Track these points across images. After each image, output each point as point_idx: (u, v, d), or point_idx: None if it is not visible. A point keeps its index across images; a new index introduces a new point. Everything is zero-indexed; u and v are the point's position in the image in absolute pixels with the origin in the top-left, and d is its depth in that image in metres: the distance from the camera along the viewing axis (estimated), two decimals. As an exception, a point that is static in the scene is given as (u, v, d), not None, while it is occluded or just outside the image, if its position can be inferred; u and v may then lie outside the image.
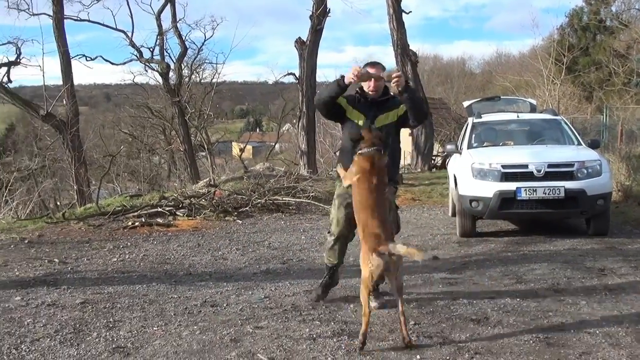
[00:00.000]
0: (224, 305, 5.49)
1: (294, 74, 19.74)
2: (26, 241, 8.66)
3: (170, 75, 24.71)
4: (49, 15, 20.56)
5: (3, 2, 21.79)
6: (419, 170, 18.99)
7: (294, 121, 24.32)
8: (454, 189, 9.44)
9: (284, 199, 11.98)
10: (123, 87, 34.58)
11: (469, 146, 9.57)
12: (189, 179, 21.05)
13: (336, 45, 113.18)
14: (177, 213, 10.72)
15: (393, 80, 5.06)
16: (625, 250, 7.59)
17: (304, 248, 8.19)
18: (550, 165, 8.20)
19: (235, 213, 10.96)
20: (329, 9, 19.14)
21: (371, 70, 5.24)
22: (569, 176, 8.18)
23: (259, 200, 11.61)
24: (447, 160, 11.92)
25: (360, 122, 5.29)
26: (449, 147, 10.18)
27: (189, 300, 5.68)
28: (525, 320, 4.88)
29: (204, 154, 27.30)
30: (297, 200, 12.09)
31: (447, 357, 4.16)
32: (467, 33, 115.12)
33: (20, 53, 20.51)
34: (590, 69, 36.71)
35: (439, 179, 15.13)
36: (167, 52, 25.18)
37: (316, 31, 19.05)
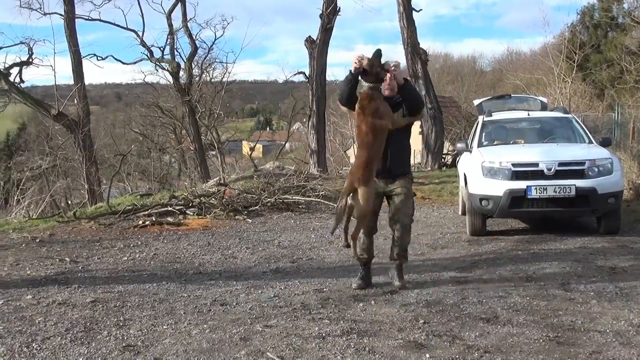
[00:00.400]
0: (234, 304, 5.50)
1: (304, 73, 19.78)
2: (38, 240, 8.71)
3: (180, 75, 24.79)
4: (61, 15, 20.70)
5: (15, 1, 21.96)
6: (429, 168, 18.94)
7: (304, 120, 24.30)
8: (464, 187, 9.41)
9: (293, 197, 11.99)
10: (134, 87, 34.74)
11: (479, 144, 9.54)
12: (199, 178, 21.11)
13: (346, 43, 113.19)
14: (187, 212, 10.75)
15: (392, 66, 5.71)
16: (637, 248, 7.54)
17: (313, 247, 8.19)
18: (561, 164, 8.16)
19: (245, 212, 10.98)
20: (339, 8, 19.14)
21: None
22: (580, 174, 8.13)
23: (269, 199, 11.62)
24: (458, 158, 11.88)
25: None
26: (459, 145, 10.15)
27: (199, 299, 5.70)
28: (535, 319, 4.87)
29: (214, 153, 27.33)
30: (307, 199, 12.10)
31: (457, 356, 4.15)
32: (478, 31, 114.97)
33: (32, 53, 20.65)
34: (602, 67, 36.44)
35: (449, 178, 15.10)
36: (177, 51, 25.28)
37: (326, 30, 19.04)
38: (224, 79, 28.03)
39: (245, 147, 40.84)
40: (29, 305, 5.55)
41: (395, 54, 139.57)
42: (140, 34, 24.33)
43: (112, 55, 25.98)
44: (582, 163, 8.22)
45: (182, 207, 10.89)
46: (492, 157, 8.61)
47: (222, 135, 29.32)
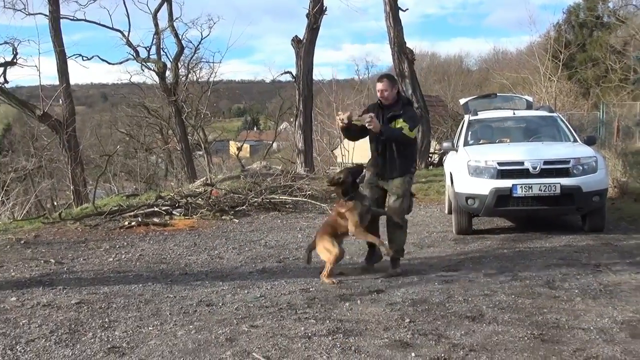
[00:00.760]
0: (220, 304, 5.49)
1: (290, 73, 19.73)
2: (22, 242, 8.65)
3: (166, 75, 24.70)
4: (45, 15, 20.52)
5: (-1, 2, 21.79)
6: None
7: (291, 120, 24.32)
8: (450, 186, 9.45)
9: (280, 197, 11.97)
10: (120, 87, 34.59)
11: (465, 143, 9.57)
12: (185, 178, 21.03)
13: (333, 43, 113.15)
14: (174, 212, 10.71)
15: (366, 122, 6.24)
16: (621, 246, 7.60)
17: (300, 246, 8.18)
18: (546, 162, 8.20)
19: (232, 212, 10.95)
20: (326, 7, 19.11)
21: (378, 85, 6.55)
22: (565, 173, 8.18)
23: (256, 199, 11.60)
24: (444, 157, 11.92)
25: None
26: (446, 144, 10.18)
27: (185, 299, 5.68)
28: (520, 317, 4.89)
29: (201, 153, 27.30)
30: (294, 198, 12.08)
31: (442, 355, 4.16)
32: (465, 30, 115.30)
33: (16, 53, 20.42)
34: (587, 66, 36.70)
35: (436, 177, 15.14)
36: (163, 51, 25.18)
37: (313, 29, 19.03)
38: (211, 79, 28.01)
39: (233, 147, 40.75)
40: (13, 308, 5.51)
41: (382, 54, 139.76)
42: (126, 33, 24.25)
43: (97, 56, 25.84)
44: (566, 161, 8.26)
45: (168, 207, 10.86)
46: (478, 156, 8.64)
47: (209, 135, 29.30)
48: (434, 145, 22.29)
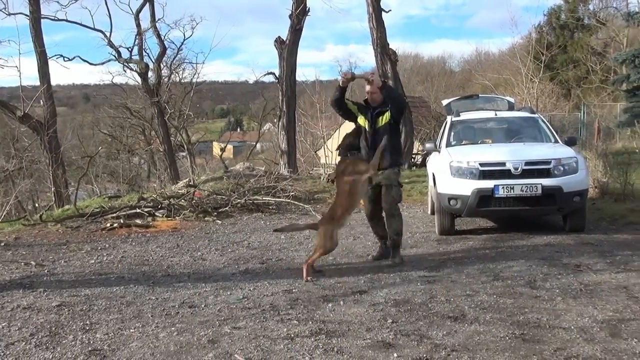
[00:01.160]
0: (202, 306, 5.47)
1: (273, 74, 19.74)
2: (2, 244, 8.57)
3: (149, 75, 24.59)
4: (26, 15, 20.37)
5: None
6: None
7: (275, 120, 24.30)
8: (432, 187, 9.48)
9: (263, 198, 11.96)
10: (102, 88, 34.46)
11: (448, 144, 9.61)
12: (168, 179, 20.95)
13: (317, 44, 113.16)
14: (156, 214, 10.67)
15: (370, 77, 7.17)
16: (601, 246, 7.66)
17: (283, 248, 8.18)
18: (527, 163, 8.25)
19: (215, 213, 10.93)
20: (309, 8, 19.14)
21: (367, 87, 7.14)
22: (546, 173, 8.23)
23: (239, 200, 11.58)
24: (427, 158, 11.96)
25: (366, 125, 7.11)
26: (428, 145, 10.22)
27: (167, 301, 5.66)
28: (501, 317, 4.92)
29: (184, 154, 27.21)
30: (277, 199, 12.08)
31: (424, 355, 4.17)
32: (448, 31, 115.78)
33: (-4, 54, 20.29)
34: (568, 67, 37.08)
35: (419, 177, 15.18)
36: (146, 52, 25.08)
37: (296, 30, 19.04)
38: (194, 80, 27.96)
39: (216, 148, 40.70)
40: (-8, 310, 5.46)
41: (365, 55, 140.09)
42: (108, 34, 24.13)
43: (79, 56, 25.71)
44: (548, 162, 8.32)
45: (151, 208, 10.81)
46: (460, 157, 8.68)
47: (192, 136, 29.22)
48: (417, 146, 22.38)
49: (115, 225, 9.75)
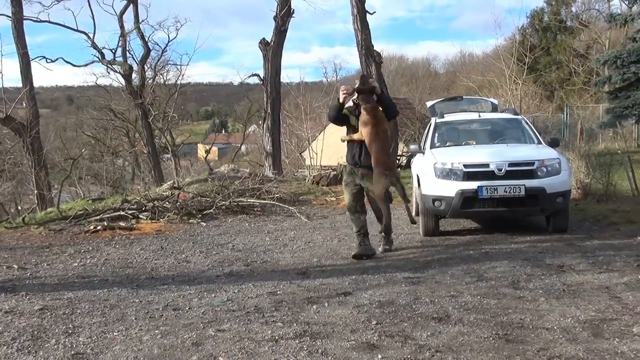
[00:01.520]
0: (186, 308, 5.45)
1: (258, 75, 19.71)
2: (-16, 247, 8.48)
3: (133, 77, 24.49)
4: (8, 17, 20.20)
5: (-41, 3, 21.40)
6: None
7: (260, 122, 24.26)
8: (417, 188, 9.51)
9: (248, 200, 11.95)
10: (85, 89, 34.28)
11: (432, 146, 9.64)
12: (153, 181, 20.87)
13: (302, 45, 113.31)
14: (140, 216, 10.62)
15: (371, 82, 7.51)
16: (584, 246, 7.72)
17: (268, 249, 8.17)
18: (511, 164, 8.29)
19: (199, 215, 10.90)
20: (293, 10, 19.14)
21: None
22: (529, 175, 8.28)
23: (223, 202, 11.55)
24: (411, 160, 11.99)
25: (357, 125, 7.41)
26: (412, 147, 10.24)
27: (151, 304, 5.63)
28: (485, 318, 4.94)
29: (168, 156, 27.11)
30: (262, 201, 12.07)
31: (408, 356, 4.18)
32: (432, 33, 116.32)
33: (-23, 55, 20.12)
34: (551, 69, 37.38)
35: (404, 179, 15.13)
36: (130, 53, 24.97)
37: (280, 32, 19.04)
38: (178, 81, 27.86)
39: (201, 149, 40.58)
40: (-26, 314, 5.40)
41: (350, 56, 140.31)
42: (91, 35, 24.01)
43: (62, 58, 25.33)
44: (531, 163, 8.37)
45: (135, 211, 10.76)
46: (444, 158, 8.71)
47: (176, 138, 29.11)
48: (401, 148, 22.43)
49: (98, 227, 9.69)
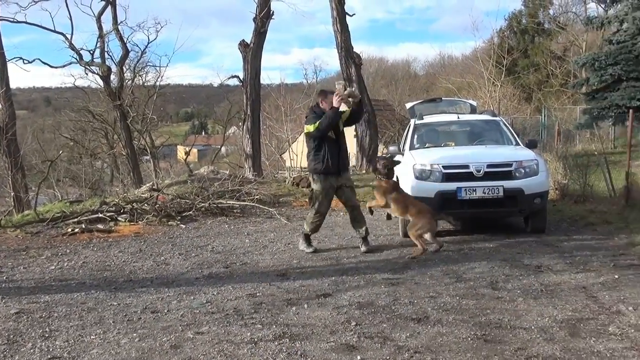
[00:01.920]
0: (165, 311, 5.42)
1: (238, 77, 19.67)
2: (-41, 250, 8.37)
3: (112, 79, 24.31)
4: (-17, 17, 19.97)
5: None
6: (364, 171, 19.13)
7: (240, 124, 24.20)
8: (396, 189, 9.51)
9: (228, 202, 11.89)
10: (63, 91, 33.96)
11: (411, 147, 9.68)
12: (132, 183, 20.72)
13: (282, 47, 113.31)
14: (119, 218, 10.53)
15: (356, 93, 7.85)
16: (562, 247, 7.79)
17: (247, 251, 8.14)
18: (489, 166, 8.35)
19: (179, 217, 10.83)
20: (273, 12, 19.15)
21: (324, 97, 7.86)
22: (508, 176, 8.34)
23: (203, 204, 11.50)
24: (391, 161, 12.00)
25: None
26: (392, 148, 10.25)
27: (129, 307, 5.59)
28: (464, 318, 4.97)
29: (147, 157, 26.94)
30: (242, 203, 12.02)
31: (387, 357, 4.19)
32: (412, 35, 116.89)
33: (-48, 56, 19.85)
34: (529, 71, 37.70)
35: (383, 180, 15.23)
36: (108, 54, 24.84)
37: (260, 34, 19.02)
38: (157, 83, 27.72)
39: (181, 151, 40.39)
40: (-52, 319, 5.32)
41: (330, 58, 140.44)
42: (69, 36, 23.79)
43: (39, 59, 25.15)
44: (509, 165, 8.42)
45: (113, 213, 10.66)
46: (423, 160, 8.75)
47: (156, 139, 28.93)
48: (381, 149, 22.50)
49: (76, 230, 9.59)
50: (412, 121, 10.59)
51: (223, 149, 37.99)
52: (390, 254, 7.78)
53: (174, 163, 34.17)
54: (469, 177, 8.32)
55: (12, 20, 22.28)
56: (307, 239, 8.11)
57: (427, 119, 10.55)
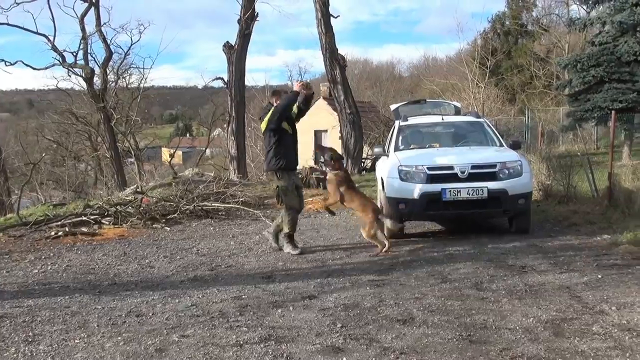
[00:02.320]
0: (150, 314, 5.39)
1: (222, 79, 19.66)
2: (-59, 254, 8.28)
3: (95, 81, 24.17)
4: (-35, 19, 19.79)
5: None
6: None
7: (224, 126, 24.16)
8: (381, 191, 9.54)
9: (213, 204, 11.86)
10: (46, 93, 33.65)
11: (396, 149, 9.70)
12: (116, 186, 20.60)
13: (267, 49, 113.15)
14: (103, 221, 10.47)
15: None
16: (545, 247, 7.84)
17: (232, 254, 8.12)
18: (473, 167, 8.38)
19: (163, 220, 10.78)
20: (257, 13, 19.17)
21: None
22: (492, 177, 8.38)
23: (188, 207, 11.46)
24: (376, 162, 12.04)
25: (288, 128, 7.96)
26: (377, 150, 10.28)
27: (113, 310, 5.55)
28: (449, 319, 4.98)
29: (132, 160, 26.81)
30: (227, 205, 11.99)
31: (373, 359, 4.20)
32: (397, 37, 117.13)
33: None
34: (513, 72, 37.94)
35: (369, 182, 15.28)
36: (91, 56, 24.78)
37: (244, 35, 19.01)
38: (141, 85, 27.61)
39: (165, 153, 40.22)
40: None
41: (314, 59, 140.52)
42: (52, 38, 23.69)
43: (21, 61, 24.94)
44: (493, 166, 8.46)
45: (97, 216, 10.60)
46: (408, 161, 8.77)
47: (140, 141, 28.83)
48: (366, 151, 22.54)
49: (60, 233, 9.53)
50: (397, 123, 10.61)
51: (208, 151, 37.94)
52: (375, 255, 7.79)
53: (159, 165, 34.00)
54: (454, 178, 8.34)
55: (-7, 22, 22.12)
56: (291, 240, 8.05)
57: (412, 121, 10.58)
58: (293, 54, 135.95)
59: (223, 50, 19.07)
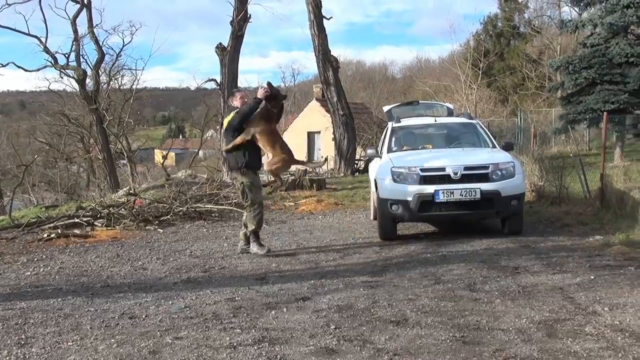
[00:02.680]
0: (143, 316, 5.37)
1: (215, 80, 19.65)
2: None
3: (87, 82, 24.12)
4: (-44, 20, 19.71)
5: None
6: (342, 174, 19.15)
7: (217, 127, 24.12)
8: (374, 192, 9.56)
9: (206, 206, 11.84)
10: (38, 95, 33.58)
11: (389, 150, 9.72)
12: (108, 188, 20.55)
13: (260, 50, 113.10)
14: (96, 223, 10.44)
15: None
16: (538, 248, 7.87)
17: (226, 255, 8.11)
18: (466, 168, 8.41)
19: (156, 222, 10.75)
20: (250, 15, 19.16)
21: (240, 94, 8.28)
22: (484, 178, 8.40)
23: (181, 208, 11.43)
24: (369, 164, 12.05)
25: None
26: (370, 151, 10.30)
27: (107, 312, 5.53)
28: (442, 320, 4.99)
29: (124, 161, 26.76)
30: (220, 207, 11.97)
31: (367, 360, 4.20)
32: (390, 38, 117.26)
33: None
34: (505, 74, 38.04)
35: (362, 183, 15.31)
36: (83, 58, 24.72)
37: (237, 37, 18.99)
38: (134, 86, 27.58)
39: (158, 155, 40.16)
40: None
41: (307, 61, 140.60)
42: (44, 40, 23.62)
43: (13, 62, 24.85)
44: (486, 167, 8.49)
45: (90, 218, 10.56)
46: (401, 163, 8.79)
47: (132, 143, 28.77)
48: (359, 152, 22.57)
49: (52, 235, 9.49)
50: (390, 124, 10.63)
51: (201, 152, 37.89)
52: (368, 256, 7.80)
53: (151, 167, 33.90)
54: (447, 179, 8.37)
55: (-15, 23, 22.04)
56: (257, 238, 8.03)
57: (405, 122, 10.60)
58: (286, 55, 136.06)
59: (216, 51, 19.05)
